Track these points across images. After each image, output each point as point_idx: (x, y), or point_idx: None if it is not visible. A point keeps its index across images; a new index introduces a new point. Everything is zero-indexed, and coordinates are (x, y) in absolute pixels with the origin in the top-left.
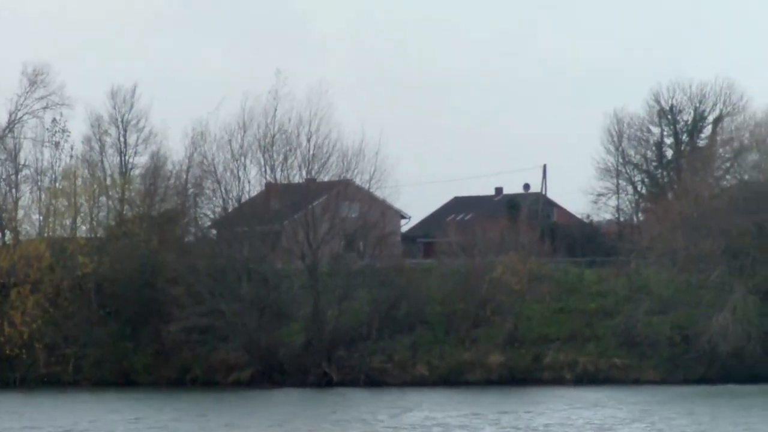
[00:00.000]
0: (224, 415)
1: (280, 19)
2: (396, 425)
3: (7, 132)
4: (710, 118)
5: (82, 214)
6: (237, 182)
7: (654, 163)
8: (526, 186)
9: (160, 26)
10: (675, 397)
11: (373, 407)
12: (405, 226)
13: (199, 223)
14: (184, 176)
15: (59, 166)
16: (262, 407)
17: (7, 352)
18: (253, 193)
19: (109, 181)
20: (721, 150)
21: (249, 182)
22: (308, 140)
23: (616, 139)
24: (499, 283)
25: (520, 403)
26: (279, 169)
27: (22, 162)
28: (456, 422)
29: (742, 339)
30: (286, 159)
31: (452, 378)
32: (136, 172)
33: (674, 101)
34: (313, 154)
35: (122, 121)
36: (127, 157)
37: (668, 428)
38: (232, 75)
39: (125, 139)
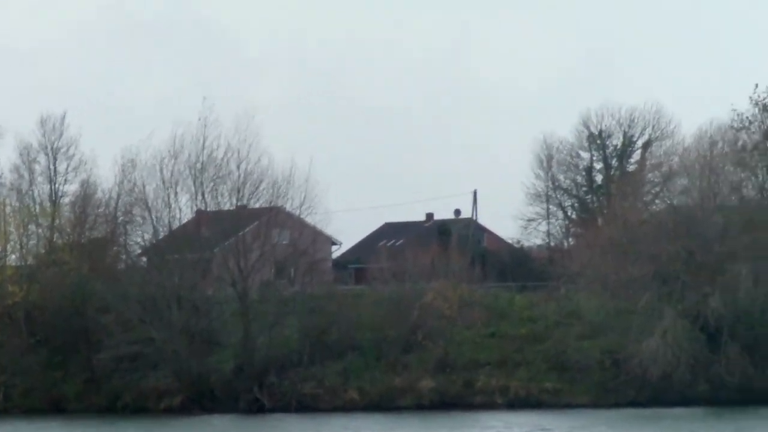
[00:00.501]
0: None
1: (211, 45)
2: None
3: None
4: (639, 143)
5: (11, 243)
6: (168, 210)
7: (584, 188)
8: (457, 211)
9: (89, 54)
10: (615, 420)
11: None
12: (336, 252)
13: (130, 250)
14: (114, 204)
15: None
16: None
17: None
18: (184, 221)
19: (38, 209)
20: (650, 175)
21: (180, 210)
22: (238, 167)
23: (545, 164)
24: (429, 309)
25: (464, 427)
26: (209, 196)
27: None
28: None
29: (672, 363)
30: (216, 186)
31: (383, 403)
32: (66, 200)
33: (603, 126)
34: (243, 181)
35: (52, 149)
36: (56, 185)
37: None
38: (162, 103)
39: (55, 167)
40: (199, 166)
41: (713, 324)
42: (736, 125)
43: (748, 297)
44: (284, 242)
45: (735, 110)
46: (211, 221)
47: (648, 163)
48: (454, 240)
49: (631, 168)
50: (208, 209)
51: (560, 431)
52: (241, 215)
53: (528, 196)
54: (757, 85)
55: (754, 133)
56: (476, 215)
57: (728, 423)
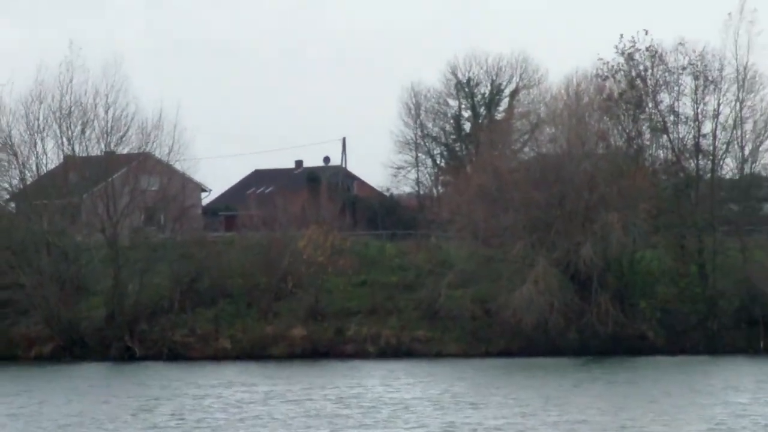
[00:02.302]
0: (41, 391)
1: None
2: (232, 396)
3: None
4: (507, 91)
5: None
6: (34, 155)
7: (452, 136)
8: (326, 159)
9: None
10: (484, 369)
11: (194, 379)
12: (206, 199)
13: None
14: None
15: None
16: (89, 380)
17: None
18: (51, 166)
19: None
20: (517, 123)
21: (46, 155)
22: (106, 112)
23: (413, 111)
24: (300, 257)
25: (339, 376)
26: (77, 142)
27: None
28: (292, 395)
29: (545, 311)
30: (83, 131)
31: (255, 352)
32: None
33: (471, 74)
34: (111, 127)
35: None
36: None
37: (529, 398)
38: (26, 46)
39: None
40: (64, 110)
41: (584, 272)
42: (602, 74)
43: (619, 245)
44: (153, 188)
45: (601, 59)
46: (80, 167)
47: (516, 111)
48: (323, 187)
49: (499, 116)
50: (76, 155)
51: (445, 381)
52: (110, 161)
53: (397, 144)
54: (622, 35)
55: (620, 81)
56: (345, 163)
57: (588, 372)
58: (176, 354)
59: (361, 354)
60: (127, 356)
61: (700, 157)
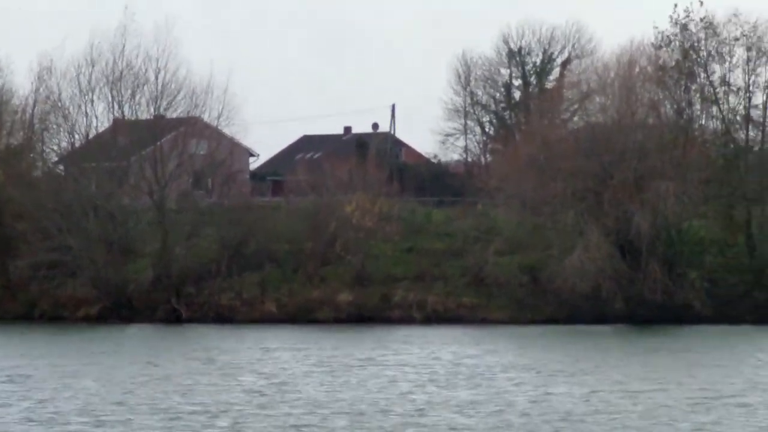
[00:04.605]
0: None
1: None
2: (289, 359)
3: None
4: (559, 61)
5: None
6: (84, 118)
7: (502, 105)
8: (375, 125)
9: None
10: (532, 336)
11: (246, 342)
12: (254, 163)
13: (46, 158)
14: (31, 111)
15: None
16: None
17: None
18: (101, 129)
19: None
20: (568, 92)
21: (96, 118)
22: (156, 77)
23: (463, 79)
24: (347, 222)
25: (381, 341)
26: (127, 105)
27: None
28: (352, 361)
29: (595, 279)
30: (133, 95)
31: (300, 316)
32: None
33: (523, 43)
34: (161, 91)
35: None
36: None
37: (571, 365)
38: (79, 8)
39: None
40: (116, 74)
41: (635, 241)
42: (656, 43)
43: (671, 215)
44: (202, 153)
45: (656, 28)
46: (128, 130)
47: (566, 80)
48: (371, 154)
49: (549, 85)
50: (126, 118)
51: (501, 346)
52: (159, 125)
53: (446, 112)
54: (676, 5)
55: (674, 51)
56: (394, 130)
57: (647, 340)
58: (222, 317)
59: (406, 320)
60: (173, 318)
61: (750, 127)
